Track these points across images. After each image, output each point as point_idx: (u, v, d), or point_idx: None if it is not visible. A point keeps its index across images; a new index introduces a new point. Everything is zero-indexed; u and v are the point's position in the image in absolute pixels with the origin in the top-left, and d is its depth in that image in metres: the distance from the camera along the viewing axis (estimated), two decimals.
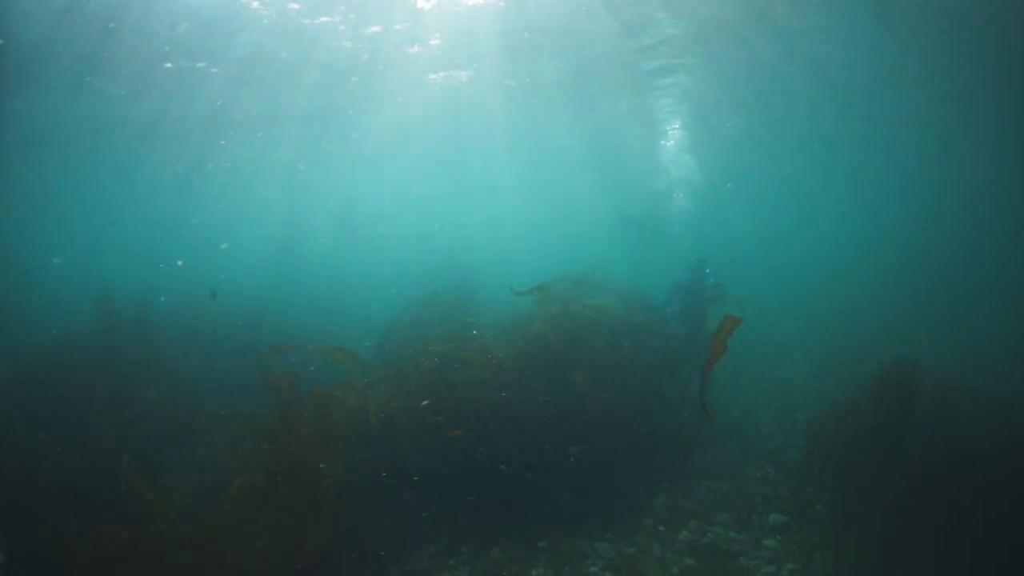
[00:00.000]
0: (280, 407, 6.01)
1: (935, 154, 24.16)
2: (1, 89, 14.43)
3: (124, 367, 10.84)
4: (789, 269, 37.51)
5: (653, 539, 7.49)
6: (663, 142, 23.74)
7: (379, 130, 20.09)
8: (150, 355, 11.64)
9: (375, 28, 12.68)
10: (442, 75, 15.56)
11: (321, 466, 5.91)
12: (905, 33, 12.96)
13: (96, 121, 17.30)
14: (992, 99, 16.85)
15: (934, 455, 6.71)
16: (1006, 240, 25.31)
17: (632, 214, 22.95)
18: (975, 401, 7.56)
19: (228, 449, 6.52)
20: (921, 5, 11.67)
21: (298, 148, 22.52)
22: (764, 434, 11.24)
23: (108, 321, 12.11)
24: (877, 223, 36.68)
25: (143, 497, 5.83)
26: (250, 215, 38.39)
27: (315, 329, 16.39)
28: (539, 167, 28.51)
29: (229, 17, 11.79)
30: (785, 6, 11.73)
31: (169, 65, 13.73)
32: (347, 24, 12.40)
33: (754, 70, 15.55)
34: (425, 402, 7.76)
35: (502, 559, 7.14)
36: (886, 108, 18.80)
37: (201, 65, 13.89)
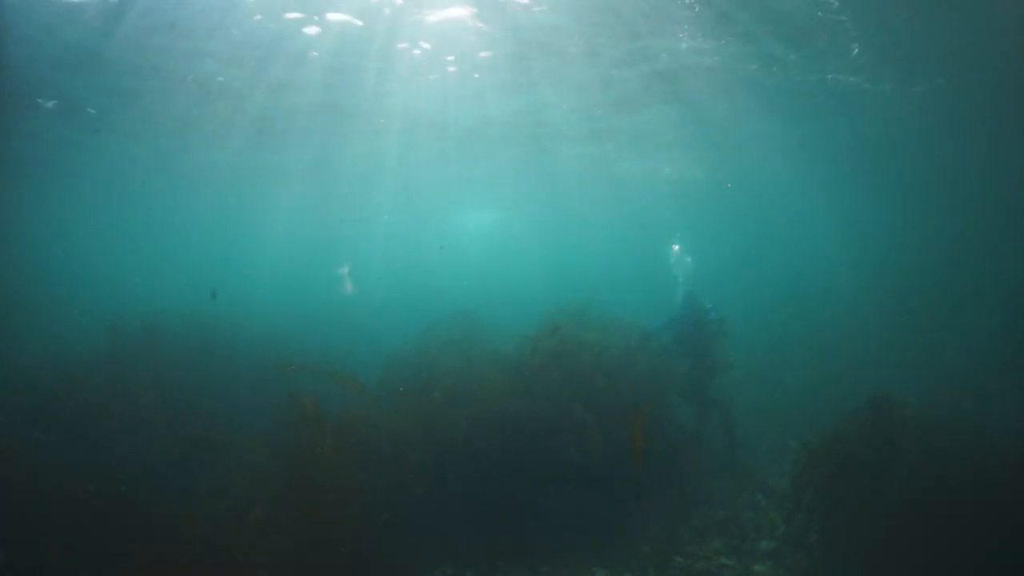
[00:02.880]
0: (307, 429, 6.36)
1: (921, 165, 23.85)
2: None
3: (135, 386, 11.05)
4: (779, 291, 37.49)
5: (649, 565, 7.82)
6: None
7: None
8: (161, 374, 11.86)
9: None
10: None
11: (339, 492, 6.27)
12: None
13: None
14: (979, 108, 16.80)
15: (918, 483, 7.09)
16: (990, 257, 25.37)
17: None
18: (955, 428, 7.88)
19: (246, 473, 6.84)
20: None
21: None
22: (758, 462, 11.58)
23: (119, 342, 12.43)
24: (864, 240, 36.66)
25: (161, 519, 6.17)
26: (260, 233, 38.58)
27: (324, 351, 16.45)
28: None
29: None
30: None
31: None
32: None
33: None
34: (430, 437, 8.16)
35: None
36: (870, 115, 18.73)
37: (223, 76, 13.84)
